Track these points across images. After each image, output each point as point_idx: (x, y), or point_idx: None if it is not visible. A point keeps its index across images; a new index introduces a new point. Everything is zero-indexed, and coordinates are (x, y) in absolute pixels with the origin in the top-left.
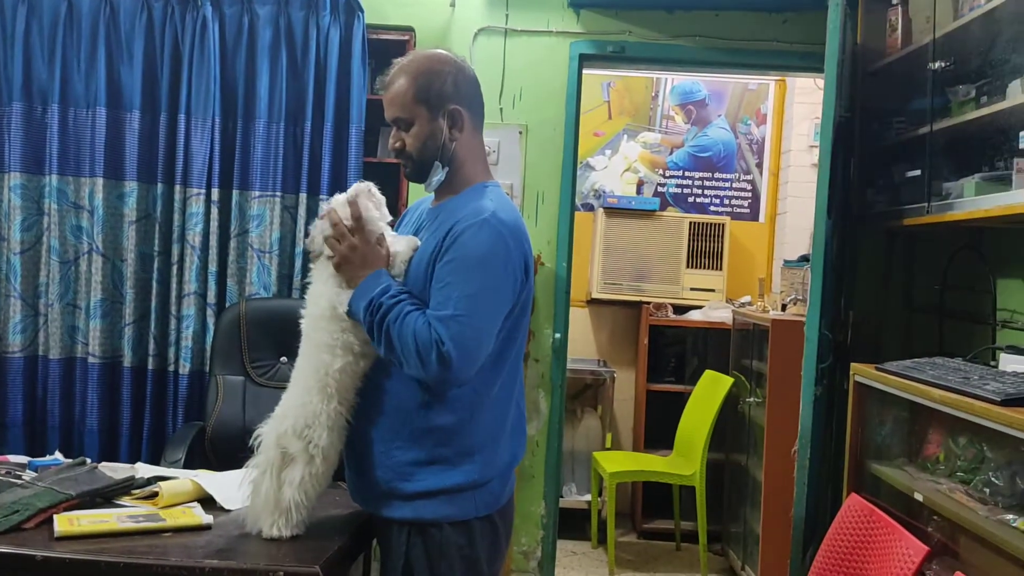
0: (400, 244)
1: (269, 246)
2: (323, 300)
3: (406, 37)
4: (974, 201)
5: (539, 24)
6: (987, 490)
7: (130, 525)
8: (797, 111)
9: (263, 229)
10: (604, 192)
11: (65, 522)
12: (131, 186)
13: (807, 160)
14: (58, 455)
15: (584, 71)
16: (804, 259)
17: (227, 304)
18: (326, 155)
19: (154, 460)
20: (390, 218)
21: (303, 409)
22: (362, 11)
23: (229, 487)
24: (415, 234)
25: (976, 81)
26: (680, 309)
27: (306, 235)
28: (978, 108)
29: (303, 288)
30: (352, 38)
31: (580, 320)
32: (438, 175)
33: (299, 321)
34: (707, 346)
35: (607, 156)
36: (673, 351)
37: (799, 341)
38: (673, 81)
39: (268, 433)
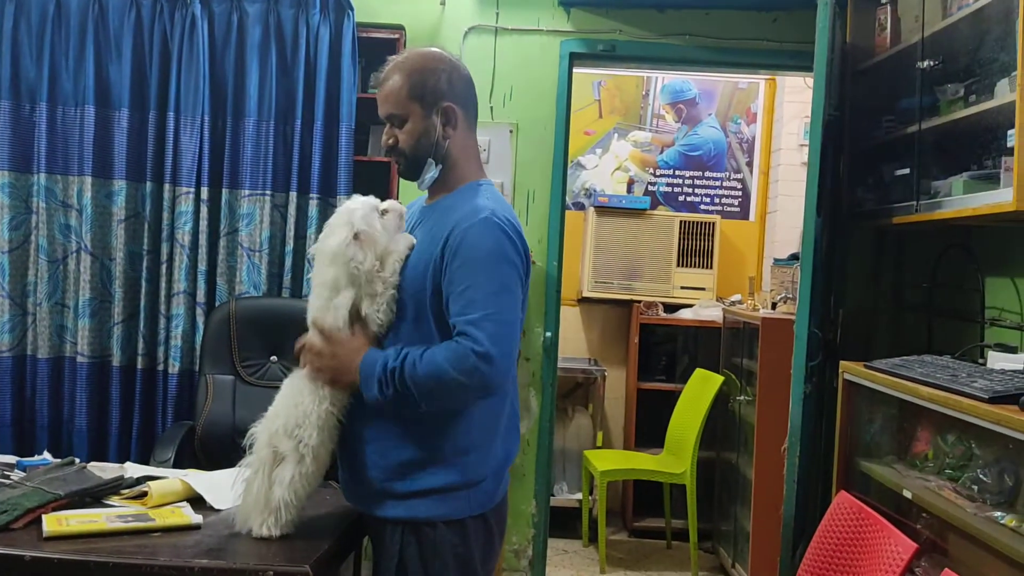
0: (398, 243)
1: (259, 245)
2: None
3: (396, 35)
4: (962, 200)
5: (529, 22)
6: (975, 487)
7: (119, 525)
8: (787, 110)
9: (253, 228)
10: (595, 191)
11: (54, 522)
12: (120, 184)
13: (797, 159)
14: (47, 455)
15: (574, 70)
16: (794, 257)
17: (217, 303)
18: (316, 153)
19: (143, 460)
20: (391, 230)
21: (294, 409)
22: (352, 9)
23: (219, 487)
24: (410, 232)
25: (964, 80)
26: (671, 308)
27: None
28: (966, 107)
29: (293, 287)
30: (342, 36)
31: (571, 319)
32: (431, 172)
33: (289, 320)
34: (697, 344)
35: (598, 155)
36: (664, 350)
37: (789, 339)
38: (663, 80)
39: (260, 433)
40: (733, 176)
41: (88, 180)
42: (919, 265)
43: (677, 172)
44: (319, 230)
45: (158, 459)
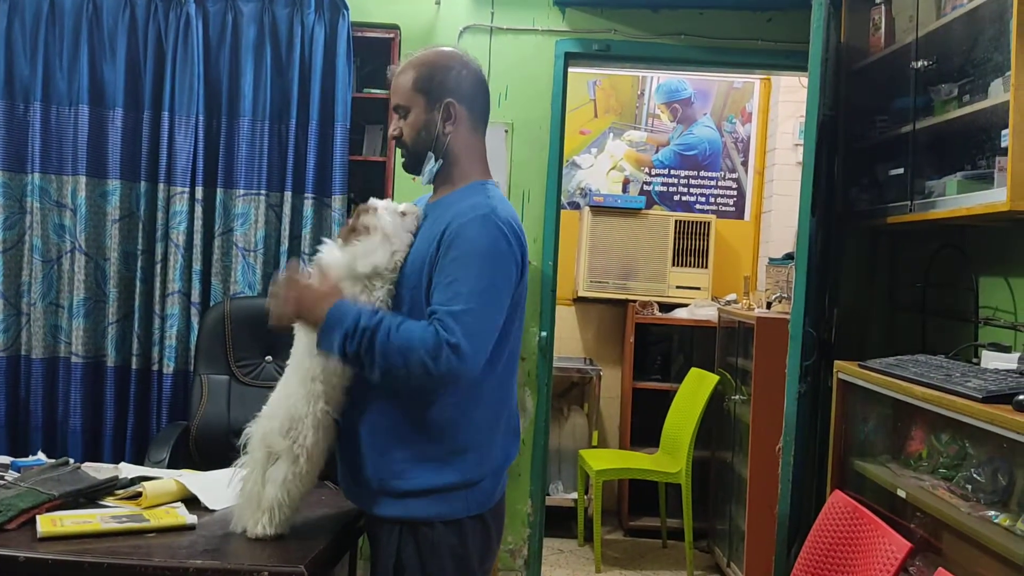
0: (396, 242)
1: (254, 245)
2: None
3: (391, 35)
4: (956, 199)
5: (524, 22)
6: (969, 486)
7: (113, 525)
8: (782, 109)
9: (248, 227)
10: (590, 190)
11: (48, 523)
12: (114, 184)
13: (792, 158)
14: (41, 455)
15: (570, 69)
16: (789, 257)
17: (211, 303)
18: (311, 153)
19: (138, 460)
20: (410, 231)
21: (289, 409)
22: (347, 9)
23: (213, 487)
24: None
25: (958, 80)
26: (666, 307)
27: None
28: (960, 107)
29: None
30: (337, 36)
31: (566, 318)
32: (430, 165)
33: None
34: (693, 344)
35: (593, 154)
36: (659, 349)
37: (784, 339)
38: (659, 79)
39: (255, 432)
40: (728, 176)
41: (82, 180)
42: (913, 264)
43: (672, 172)
44: (314, 230)
45: (153, 459)
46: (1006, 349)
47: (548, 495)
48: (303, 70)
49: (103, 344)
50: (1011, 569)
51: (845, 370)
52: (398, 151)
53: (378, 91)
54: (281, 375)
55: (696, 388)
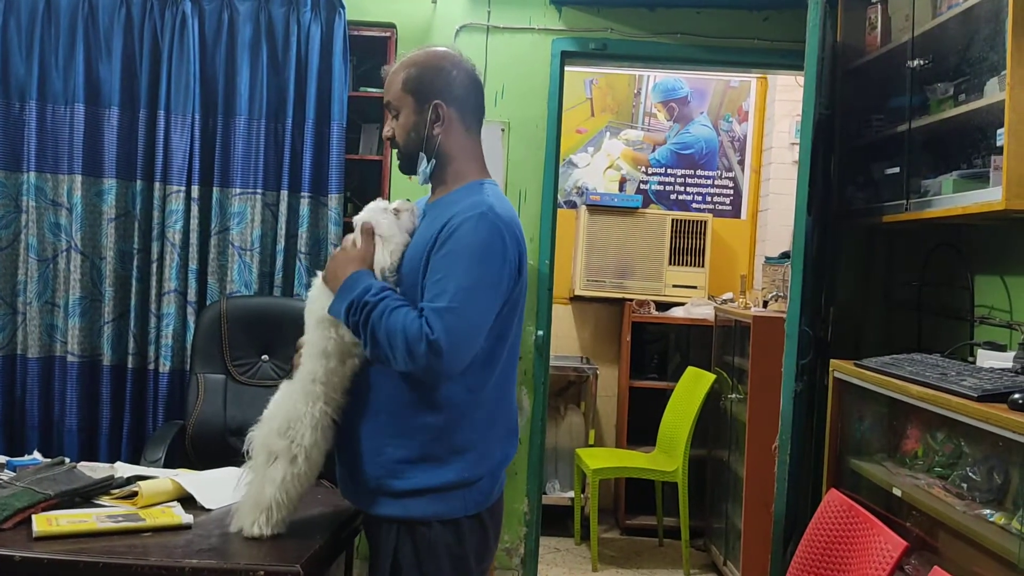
0: (394, 241)
1: (250, 244)
2: (317, 303)
3: (387, 33)
4: (952, 198)
5: (521, 21)
6: (964, 485)
7: (109, 525)
8: (778, 108)
9: (244, 226)
10: (587, 189)
11: (44, 522)
12: (110, 183)
13: (788, 157)
14: (37, 455)
15: (566, 68)
16: (785, 256)
17: (208, 302)
18: (307, 152)
19: (134, 459)
20: (408, 229)
21: (288, 410)
22: (343, 7)
23: (209, 486)
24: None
25: (954, 79)
26: (662, 306)
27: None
28: (956, 106)
29: (284, 286)
30: (333, 34)
31: (563, 317)
32: (424, 166)
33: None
34: (689, 343)
35: (590, 153)
36: (655, 348)
37: (780, 337)
38: (655, 78)
39: (257, 437)
40: (725, 174)
41: (78, 179)
42: (909, 263)
43: (669, 170)
44: (310, 229)
45: (149, 459)
46: (1002, 348)
47: (545, 494)
48: (299, 69)
49: (99, 343)
50: (1006, 567)
51: (841, 369)
52: (394, 151)
53: (374, 90)
54: (277, 374)
55: (692, 387)
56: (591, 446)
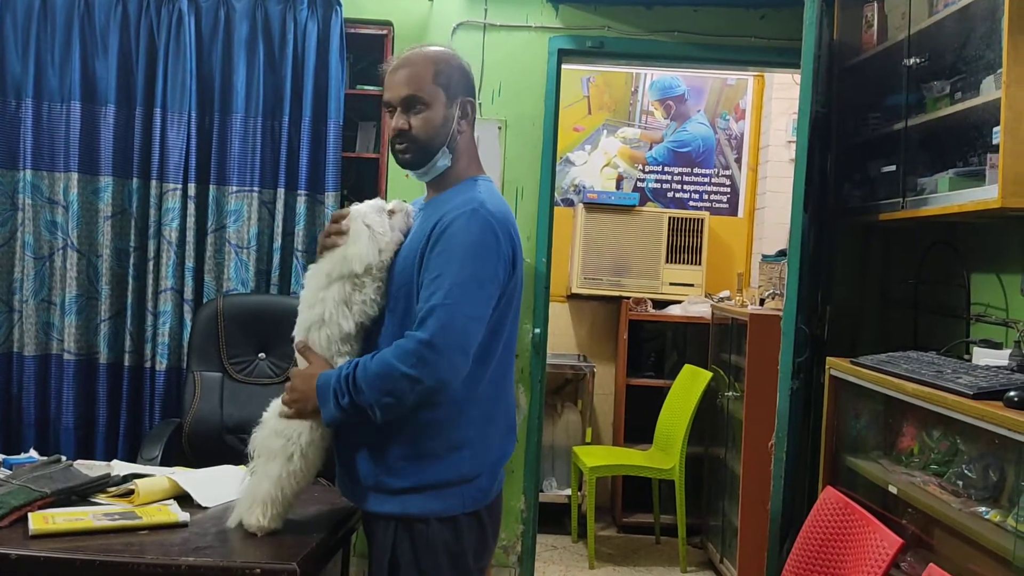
0: (386, 240)
1: (247, 241)
2: (316, 308)
3: (384, 31)
4: (948, 196)
5: (518, 19)
6: (960, 482)
7: (106, 523)
8: (775, 106)
9: (241, 224)
10: (584, 187)
11: (40, 520)
12: (106, 181)
13: (785, 155)
14: (33, 453)
15: (563, 66)
16: (782, 254)
17: (204, 300)
18: (304, 150)
19: (130, 457)
20: (401, 228)
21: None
22: (340, 5)
23: (206, 484)
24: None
25: (950, 77)
26: (659, 304)
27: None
28: (952, 104)
29: (281, 284)
30: (330, 32)
31: (560, 315)
32: (442, 161)
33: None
34: (686, 340)
35: (587, 151)
36: (652, 346)
37: (777, 335)
38: (652, 76)
39: (258, 436)
40: (722, 172)
41: (74, 176)
42: (905, 261)
43: (666, 168)
44: (307, 227)
45: (145, 457)
46: (997, 345)
47: (542, 491)
48: (296, 66)
49: (95, 341)
50: (1002, 565)
51: (837, 366)
52: (391, 147)
53: (371, 87)
54: (274, 372)
55: (689, 385)
56: (588, 444)
